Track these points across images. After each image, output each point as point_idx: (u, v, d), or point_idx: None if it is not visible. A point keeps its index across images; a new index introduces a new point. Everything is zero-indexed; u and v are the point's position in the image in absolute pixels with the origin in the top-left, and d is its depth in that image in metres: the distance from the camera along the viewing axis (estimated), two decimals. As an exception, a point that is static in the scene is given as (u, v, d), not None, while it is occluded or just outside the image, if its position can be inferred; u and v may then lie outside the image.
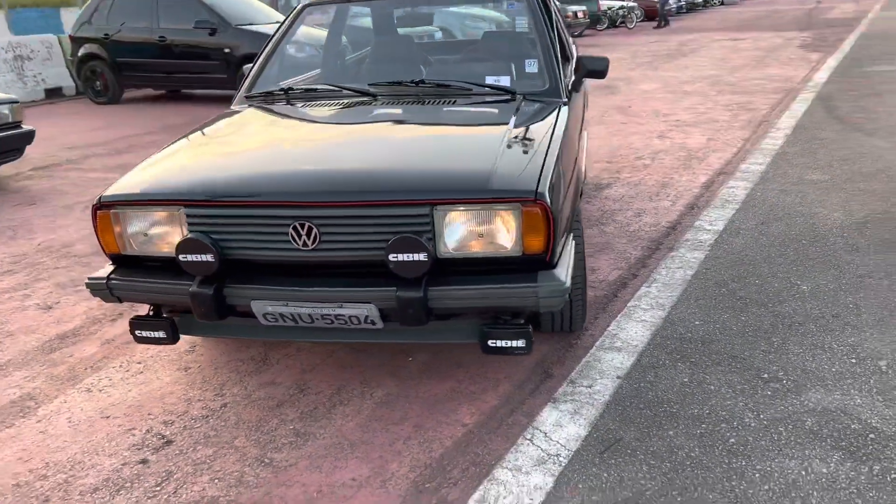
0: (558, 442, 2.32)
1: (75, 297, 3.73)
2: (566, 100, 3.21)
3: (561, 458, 2.24)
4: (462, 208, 2.31)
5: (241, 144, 2.89)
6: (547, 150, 2.58)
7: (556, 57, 3.42)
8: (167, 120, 9.19)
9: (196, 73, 10.27)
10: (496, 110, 3.08)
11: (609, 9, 21.86)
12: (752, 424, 2.35)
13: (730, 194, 4.82)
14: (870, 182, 4.92)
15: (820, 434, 2.28)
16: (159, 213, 2.49)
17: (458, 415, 2.54)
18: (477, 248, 2.35)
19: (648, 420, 2.41)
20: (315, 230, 2.34)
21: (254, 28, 10.02)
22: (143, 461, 2.37)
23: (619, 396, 2.56)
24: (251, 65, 3.69)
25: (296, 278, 2.43)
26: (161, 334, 2.61)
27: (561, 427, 2.40)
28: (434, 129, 2.94)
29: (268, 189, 2.39)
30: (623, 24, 22.39)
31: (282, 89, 3.46)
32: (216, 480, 2.26)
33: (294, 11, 3.80)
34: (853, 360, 2.69)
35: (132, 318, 2.62)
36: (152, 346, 3.13)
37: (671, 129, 7.20)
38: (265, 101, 3.42)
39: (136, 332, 2.62)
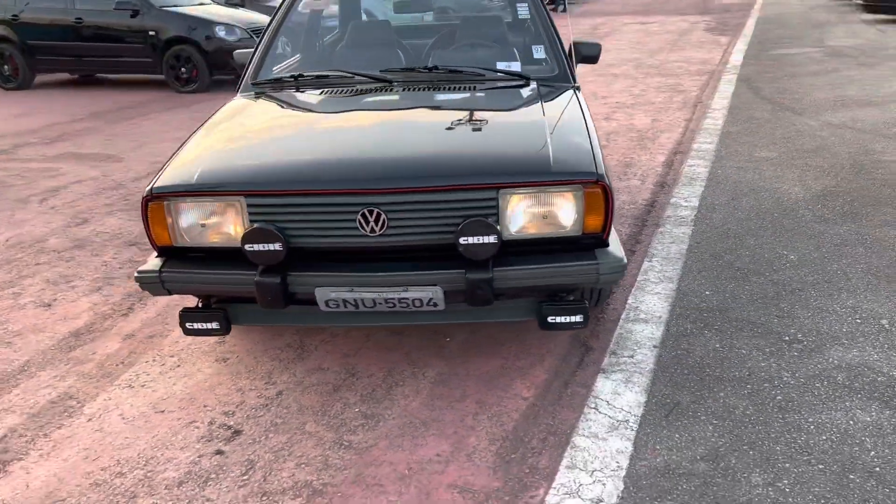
0: (622, 409, 2.47)
1: (72, 293, 3.60)
2: (578, 84, 3.35)
3: (630, 424, 2.39)
4: (527, 191, 2.41)
5: (286, 132, 2.88)
6: (589, 133, 2.71)
7: (560, 42, 3.55)
8: (92, 107, 8.77)
9: (117, 56, 9.82)
10: (521, 95, 3.18)
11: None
12: (791, 382, 2.58)
13: (693, 172, 5.11)
14: (814, 158, 5.32)
15: (853, 387, 2.53)
16: (218, 204, 2.47)
17: (514, 389, 2.65)
18: (538, 229, 2.46)
19: (697, 384, 2.60)
20: (384, 216, 2.39)
21: (181, 10, 9.67)
22: (219, 452, 2.37)
23: (662, 364, 2.73)
24: (252, 51, 3.63)
25: (358, 264, 2.47)
26: (214, 325, 2.59)
27: (619, 395, 2.55)
28: (474, 115, 3.01)
29: (338, 177, 2.42)
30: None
31: (292, 76, 3.44)
32: (302, 465, 2.29)
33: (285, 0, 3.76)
34: (858, 321, 2.97)
35: (182, 311, 2.60)
36: (180, 340, 3.09)
37: (614, 111, 7.49)
38: (275, 88, 3.40)
39: (187, 325, 2.59)
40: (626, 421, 2.41)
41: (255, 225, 2.38)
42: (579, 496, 2.08)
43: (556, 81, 3.37)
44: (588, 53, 3.78)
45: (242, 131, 2.88)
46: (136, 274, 2.53)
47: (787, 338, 2.87)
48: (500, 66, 3.50)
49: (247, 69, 3.56)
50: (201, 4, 10.31)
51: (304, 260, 2.46)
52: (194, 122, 7.52)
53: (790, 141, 5.84)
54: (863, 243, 3.73)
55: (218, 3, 11.07)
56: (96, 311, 3.40)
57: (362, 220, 2.40)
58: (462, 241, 2.34)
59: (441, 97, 3.16)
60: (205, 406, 2.63)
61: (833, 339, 2.84)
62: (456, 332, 3.05)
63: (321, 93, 3.26)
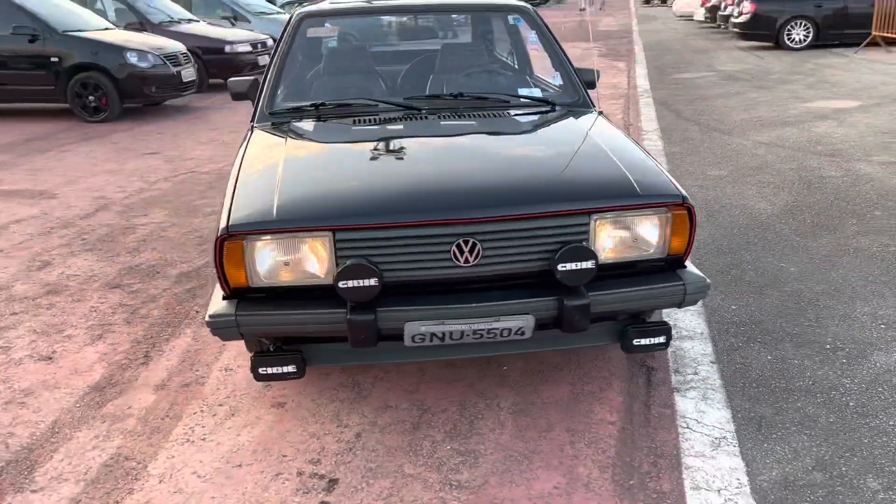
0: (714, 426, 2.52)
1: (71, 343, 3.28)
2: (600, 110, 3.42)
3: (729, 440, 2.44)
4: (617, 215, 2.43)
5: (352, 163, 2.77)
6: (648, 157, 2.77)
7: (574, 69, 3.62)
8: (-7, 138, 8.10)
9: (15, 84, 9.11)
10: (560, 121, 3.21)
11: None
12: (854, 388, 2.71)
13: (660, 192, 5.31)
14: (763, 175, 5.66)
15: (911, 389, 2.70)
16: (302, 240, 2.34)
17: (597, 414, 2.65)
18: (626, 252, 2.49)
19: (769, 396, 2.69)
20: (479, 246, 2.34)
21: (86, 35, 9.11)
22: (324, 504, 2.22)
23: (727, 379, 2.81)
24: (262, 81, 3.47)
25: (447, 296, 2.40)
26: (290, 369, 2.45)
27: (704, 413, 2.60)
28: (528, 140, 3.01)
29: (435, 207, 2.34)
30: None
31: (313, 105, 3.32)
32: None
33: (292, 24, 3.63)
34: (882, 326, 3.17)
35: (255, 356, 2.44)
36: (221, 387, 2.88)
37: (553, 134, 7.67)
38: (296, 117, 3.26)
39: (260, 370, 2.44)
40: (724, 437, 2.45)
41: (351, 261, 2.27)
42: (718, 516, 2.10)
43: (578, 107, 3.42)
44: (587, 79, 3.87)
45: (300, 164, 2.74)
46: (207, 319, 2.35)
47: (828, 346, 3.02)
48: (522, 91, 3.53)
49: (260, 99, 3.39)
50: (107, 29, 9.77)
51: (390, 294, 2.36)
52: (122, 154, 7.10)
53: (733, 160, 6.19)
54: (847, 253, 4.00)
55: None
56: (108, 361, 3.11)
57: (456, 251, 2.34)
58: (560, 267, 2.33)
59: (485, 124, 3.13)
60: (284, 456, 2.46)
61: (870, 346, 3.02)
62: (509, 360, 3.01)
63: (355, 121, 3.16)
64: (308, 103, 3.34)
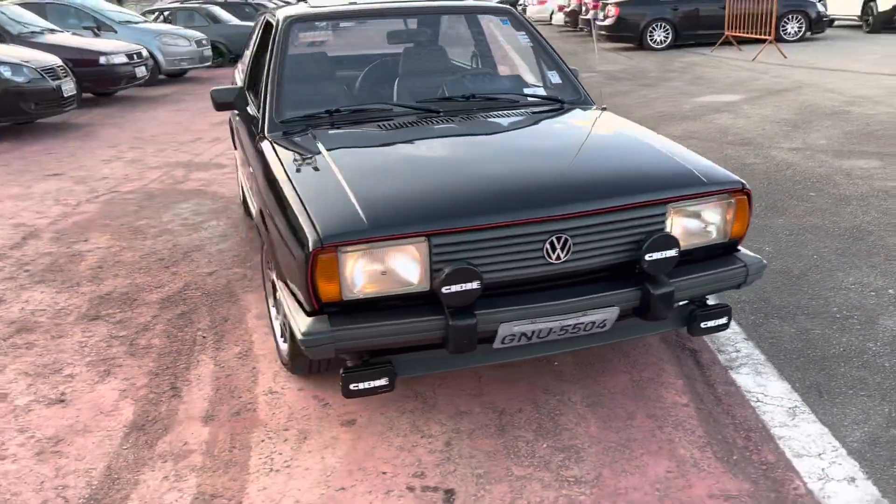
0: (782, 397, 2.67)
1: (78, 383, 2.98)
2: (604, 106, 3.53)
3: (801, 408, 2.59)
4: (690, 204, 2.53)
5: (413, 169, 2.71)
6: (686, 149, 2.90)
7: (568, 67, 3.71)
8: None
9: None
10: (582, 117, 3.28)
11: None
12: (881, 350, 2.96)
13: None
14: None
15: (929, 346, 2.98)
16: (399, 247, 2.26)
17: (667, 398, 2.73)
18: (695, 239, 2.59)
19: (814, 364, 2.88)
20: (570, 241, 2.36)
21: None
22: (453, 517, 2.16)
23: (769, 353, 2.98)
24: (265, 90, 3.28)
25: (536, 293, 2.41)
26: (383, 382, 2.37)
27: (765, 386, 2.75)
28: (572, 136, 3.05)
29: (528, 205, 2.34)
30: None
31: (327, 111, 3.20)
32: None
33: (282, 29, 3.47)
34: (873, 293, 3.48)
35: (345, 371, 2.33)
36: (276, 411, 2.72)
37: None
38: (311, 125, 3.13)
39: (352, 386, 2.34)
40: (796, 406, 2.60)
41: (455, 265, 2.22)
42: (830, 478, 2.23)
43: (583, 104, 3.51)
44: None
45: (360, 171, 2.62)
46: (301, 338, 2.22)
47: (838, 315, 3.28)
48: (527, 91, 3.57)
49: (266, 109, 3.21)
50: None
51: (481, 296, 2.33)
52: (21, 177, 6.59)
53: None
54: (807, 231, 4.34)
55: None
56: (133, 397, 2.86)
57: (549, 248, 2.35)
58: (648, 257, 2.39)
59: (517, 122, 3.15)
60: (383, 473, 2.36)
61: (873, 311, 3.29)
62: (558, 356, 3.03)
63: (381, 126, 3.09)
64: (322, 110, 3.21)
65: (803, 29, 15.31)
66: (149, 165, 6.93)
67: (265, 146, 3.01)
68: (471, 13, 4.05)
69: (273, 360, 3.09)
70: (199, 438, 2.58)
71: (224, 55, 16.41)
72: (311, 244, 2.21)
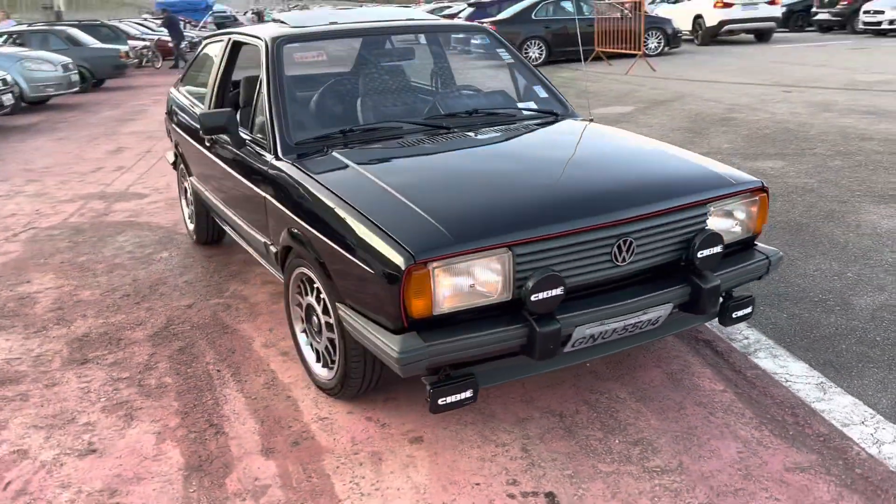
0: (805, 375, 2.91)
1: (101, 430, 2.78)
2: (591, 117, 3.71)
3: (828, 384, 2.85)
4: (725, 203, 2.74)
5: (469, 182, 2.75)
6: (695, 154, 3.12)
7: (550, 81, 3.88)
8: None
9: None
10: (587, 129, 3.43)
11: (133, 48, 20.91)
12: (866, 326, 3.28)
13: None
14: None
15: (905, 320, 3.34)
16: (487, 259, 2.31)
17: (703, 387, 2.91)
18: (727, 236, 2.80)
19: (818, 344, 3.16)
20: (633, 244, 2.50)
21: None
22: (566, 517, 2.21)
23: (775, 337, 3.24)
24: (269, 114, 3.18)
25: (602, 296, 2.52)
26: (468, 394, 2.40)
27: (786, 366, 2.99)
28: (595, 145, 3.19)
29: (599, 211, 2.45)
30: (150, 65, 21.66)
31: (341, 131, 3.17)
32: (656, 499, 2.27)
33: (272, 51, 3.39)
34: (835, 277, 3.84)
35: (434, 386, 2.34)
36: (336, 437, 2.66)
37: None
38: (328, 145, 3.10)
39: (440, 401, 2.35)
40: (823, 383, 2.85)
41: (541, 272, 2.30)
42: (882, 441, 2.47)
43: (570, 116, 3.68)
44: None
45: (415, 188, 2.63)
46: (398, 356, 2.21)
47: (816, 299, 3.60)
48: (521, 105, 3.69)
49: (275, 133, 3.12)
50: None
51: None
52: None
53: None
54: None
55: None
56: (173, 439, 2.70)
57: (616, 251, 2.47)
58: (700, 254, 2.57)
59: (537, 135, 3.27)
60: (477, 484, 2.38)
61: (843, 293, 3.64)
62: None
63: (400, 143, 3.10)
64: (335, 130, 3.18)
65: (662, 44, 16.49)
66: (59, 199, 6.47)
67: (287, 169, 2.94)
68: (448, 32, 4.13)
69: (304, 387, 3.01)
70: (269, 472, 2.48)
71: (87, 80, 15.50)
72: (402, 262, 2.20)
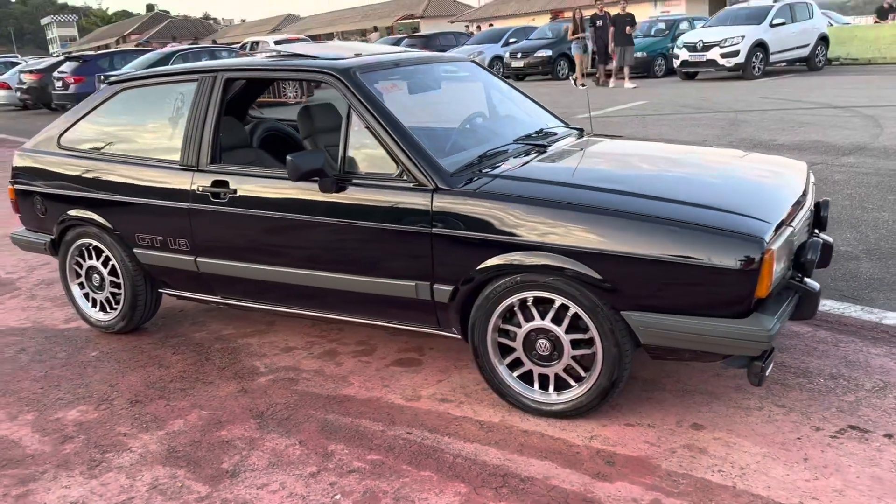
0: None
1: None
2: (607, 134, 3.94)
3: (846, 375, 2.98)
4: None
5: (681, 183, 2.89)
6: None
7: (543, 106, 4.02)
8: None
9: None
10: (634, 143, 3.86)
11: None
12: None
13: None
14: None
15: None
16: (776, 247, 2.47)
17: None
18: None
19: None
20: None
21: None
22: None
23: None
24: (396, 148, 2.88)
25: None
26: (772, 361, 2.52)
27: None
28: (685, 157, 3.44)
29: (798, 201, 2.84)
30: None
31: (479, 156, 3.00)
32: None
33: (355, 82, 3.03)
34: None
35: (763, 360, 2.44)
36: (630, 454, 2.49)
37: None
38: (477, 171, 2.89)
39: (767, 373, 2.47)
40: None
41: (814, 246, 2.66)
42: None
43: (584, 134, 3.76)
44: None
45: (649, 188, 2.73)
46: (770, 333, 2.35)
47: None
48: (553, 123, 3.76)
49: (425, 164, 2.82)
50: None
51: None
52: None
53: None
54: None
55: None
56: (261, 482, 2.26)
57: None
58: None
59: (623, 144, 3.66)
60: (798, 439, 2.42)
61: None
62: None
63: (548, 160, 3.15)
64: (473, 156, 3.03)
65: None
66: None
67: (471, 202, 2.71)
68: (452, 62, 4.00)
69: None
70: (458, 492, 2.22)
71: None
72: (753, 248, 2.34)
